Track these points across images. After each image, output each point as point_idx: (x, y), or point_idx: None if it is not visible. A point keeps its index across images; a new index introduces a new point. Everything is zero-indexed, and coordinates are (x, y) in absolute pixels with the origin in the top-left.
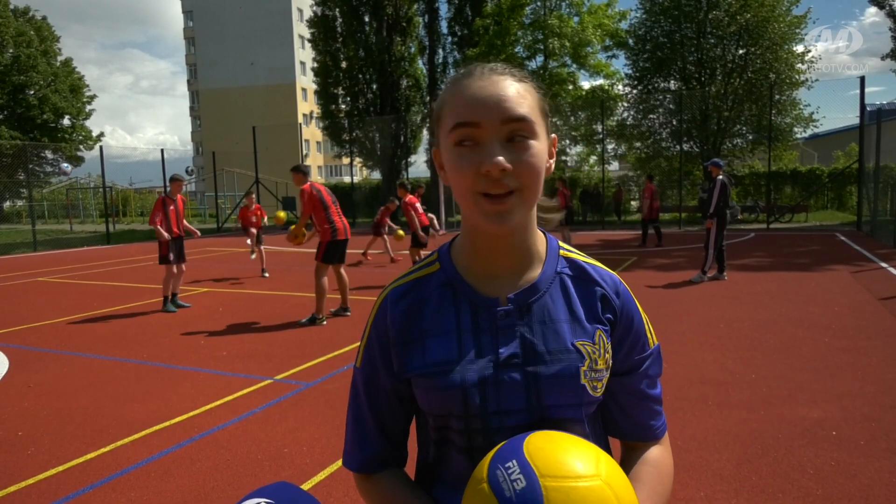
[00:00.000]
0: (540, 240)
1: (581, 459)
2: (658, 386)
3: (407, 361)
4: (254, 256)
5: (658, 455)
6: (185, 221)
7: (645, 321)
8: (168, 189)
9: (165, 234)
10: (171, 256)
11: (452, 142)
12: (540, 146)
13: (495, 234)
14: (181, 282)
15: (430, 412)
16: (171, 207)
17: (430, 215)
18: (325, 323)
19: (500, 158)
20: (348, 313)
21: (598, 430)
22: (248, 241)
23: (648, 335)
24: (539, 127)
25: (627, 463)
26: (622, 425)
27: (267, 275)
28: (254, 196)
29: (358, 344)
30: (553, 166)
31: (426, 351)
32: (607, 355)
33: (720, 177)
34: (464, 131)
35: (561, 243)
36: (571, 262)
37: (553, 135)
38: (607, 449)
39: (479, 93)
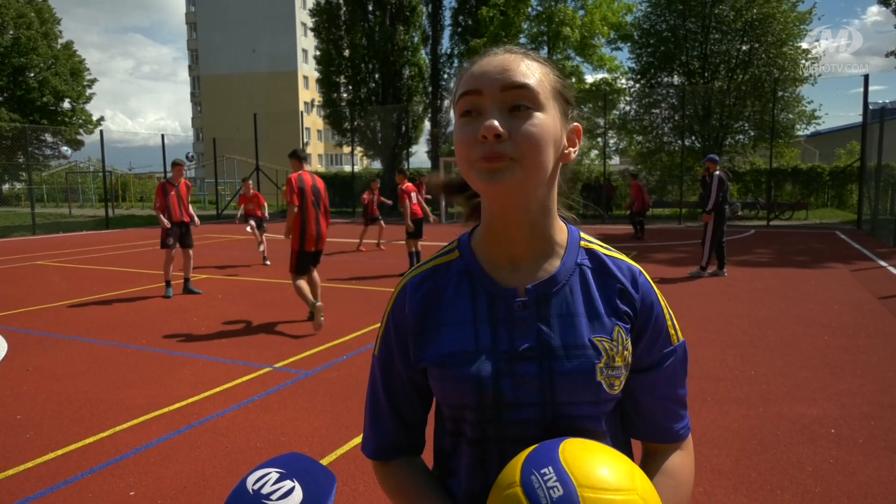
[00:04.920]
0: (560, 229)
1: (618, 472)
2: (684, 386)
3: (423, 350)
4: (262, 248)
5: (678, 463)
6: (189, 207)
7: (667, 315)
8: (170, 174)
9: (166, 222)
10: (171, 241)
11: (459, 113)
12: (546, 118)
13: (494, 198)
14: (190, 267)
15: (445, 403)
16: (172, 193)
17: (424, 206)
18: (321, 317)
19: (496, 123)
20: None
21: (616, 430)
22: (249, 230)
23: (672, 330)
24: (546, 99)
25: (647, 468)
26: (641, 426)
27: (268, 262)
28: (250, 182)
29: (358, 333)
30: (574, 155)
31: (442, 340)
32: (626, 353)
33: (717, 172)
34: (467, 100)
35: (583, 234)
36: (592, 254)
37: (576, 123)
38: (628, 449)
39: (485, 65)
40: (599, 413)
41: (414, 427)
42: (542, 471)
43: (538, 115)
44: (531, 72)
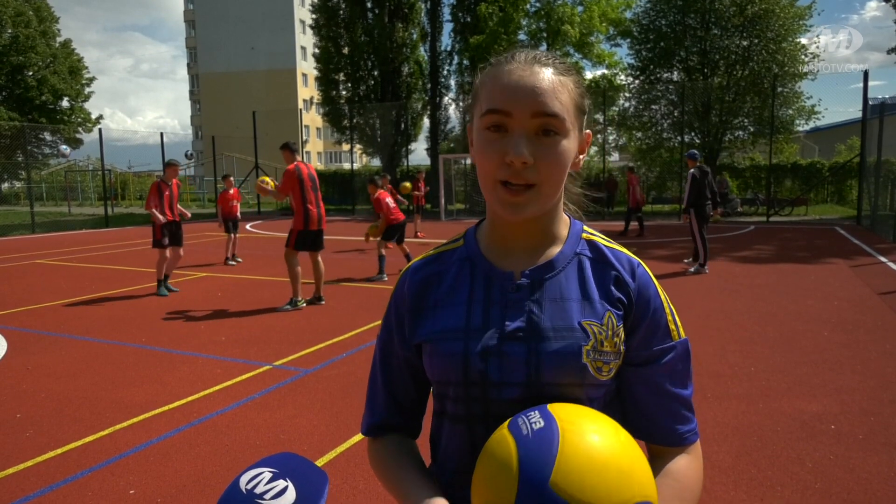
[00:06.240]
0: (563, 222)
1: (604, 423)
2: (687, 387)
3: (417, 328)
4: (239, 261)
5: (683, 467)
6: (178, 205)
7: (668, 310)
8: (164, 174)
9: (161, 218)
10: (165, 241)
11: (484, 125)
12: (568, 144)
13: (511, 219)
14: (175, 266)
15: (433, 379)
16: (167, 192)
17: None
18: (303, 305)
19: (525, 152)
20: (322, 302)
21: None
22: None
23: (672, 326)
24: (571, 124)
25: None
26: (641, 424)
27: (240, 260)
28: (232, 179)
29: (358, 330)
30: (582, 162)
31: (436, 319)
32: (616, 339)
33: (692, 170)
34: (495, 118)
35: (586, 227)
36: (592, 245)
37: (587, 130)
38: None
39: (516, 82)
40: (584, 397)
41: (408, 409)
42: (529, 413)
43: (562, 141)
44: (560, 95)
